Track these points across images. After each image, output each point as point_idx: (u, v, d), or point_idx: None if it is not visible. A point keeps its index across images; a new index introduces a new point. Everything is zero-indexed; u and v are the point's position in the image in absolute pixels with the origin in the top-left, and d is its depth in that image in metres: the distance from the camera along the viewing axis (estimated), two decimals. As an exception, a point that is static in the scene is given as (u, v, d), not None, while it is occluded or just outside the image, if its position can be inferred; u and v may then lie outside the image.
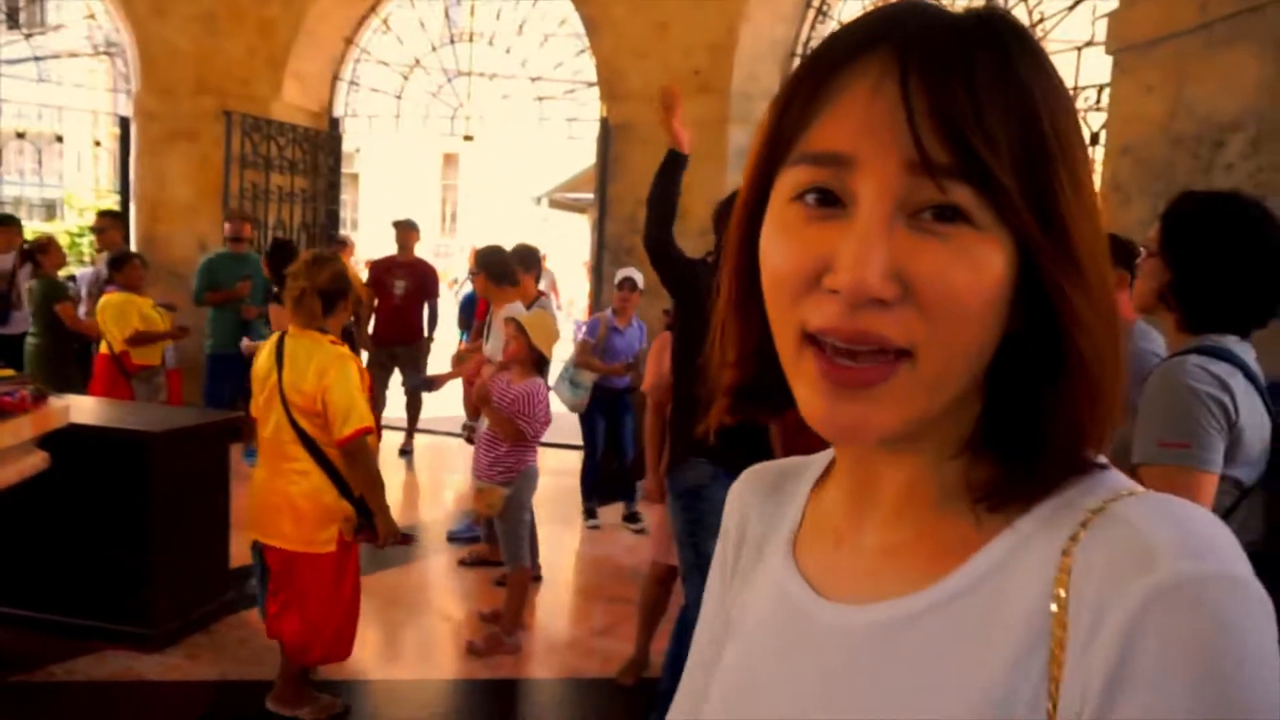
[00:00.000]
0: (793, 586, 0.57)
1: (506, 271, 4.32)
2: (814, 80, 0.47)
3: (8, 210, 8.72)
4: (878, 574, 0.52)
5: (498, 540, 4.20)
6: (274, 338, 2.96)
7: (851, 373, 0.46)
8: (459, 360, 4.72)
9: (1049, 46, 4.75)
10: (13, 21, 10.04)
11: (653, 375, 3.18)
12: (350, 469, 2.87)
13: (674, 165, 2.67)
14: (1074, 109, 0.48)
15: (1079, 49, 4.56)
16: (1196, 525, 0.43)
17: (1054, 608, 0.43)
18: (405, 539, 3.07)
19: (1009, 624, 0.45)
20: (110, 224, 6.18)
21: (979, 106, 0.44)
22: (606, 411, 5.23)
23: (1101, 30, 4.00)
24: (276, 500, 2.87)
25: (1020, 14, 4.89)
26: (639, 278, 4.99)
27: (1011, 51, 0.45)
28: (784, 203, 0.48)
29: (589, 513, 5.34)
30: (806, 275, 0.46)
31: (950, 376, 0.46)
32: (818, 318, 0.46)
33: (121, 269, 5.19)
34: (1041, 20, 4.77)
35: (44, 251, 5.57)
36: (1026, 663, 0.44)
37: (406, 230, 6.40)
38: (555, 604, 4.35)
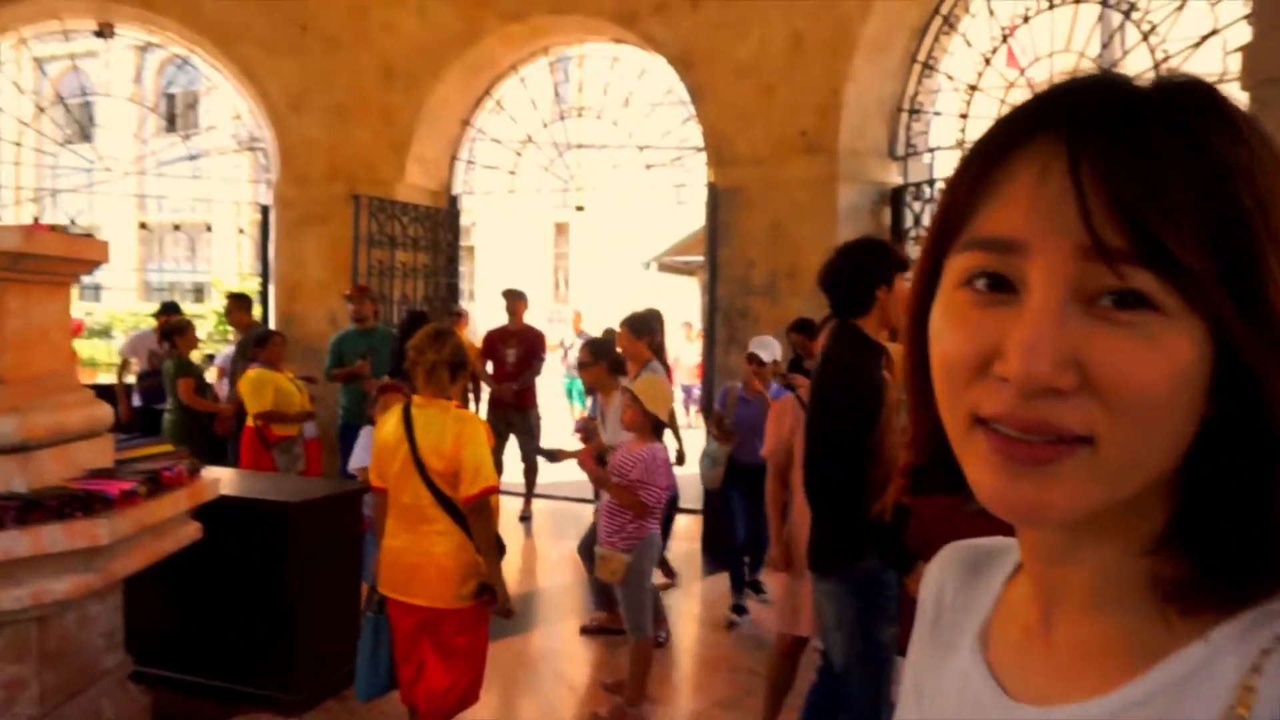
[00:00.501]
0: (978, 681, 0.55)
1: (622, 363, 4.43)
2: (983, 163, 0.46)
3: (165, 295, 9.49)
4: (1064, 674, 0.50)
5: (615, 607, 4.19)
6: (397, 409, 3.09)
7: (1028, 449, 0.44)
8: (581, 430, 4.74)
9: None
10: (171, 126, 11.08)
11: (773, 440, 3.13)
12: (475, 525, 2.98)
13: None
14: None
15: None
16: None
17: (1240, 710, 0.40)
18: (509, 613, 3.10)
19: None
20: (235, 305, 6.63)
21: (1157, 184, 0.41)
22: (746, 489, 4.66)
23: (1235, 64, 3.81)
24: (418, 561, 2.97)
25: (1142, 53, 4.72)
26: (765, 354, 4.68)
27: (1200, 122, 0.43)
28: (953, 287, 0.48)
29: (737, 609, 4.81)
30: (976, 361, 0.45)
31: (1134, 467, 0.44)
32: (989, 405, 0.45)
33: (264, 346, 5.56)
34: (1166, 59, 4.59)
35: (180, 333, 6.03)
36: None
37: (515, 299, 6.63)
38: (678, 674, 4.27)
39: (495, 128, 8.01)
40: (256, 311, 8.29)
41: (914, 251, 5.79)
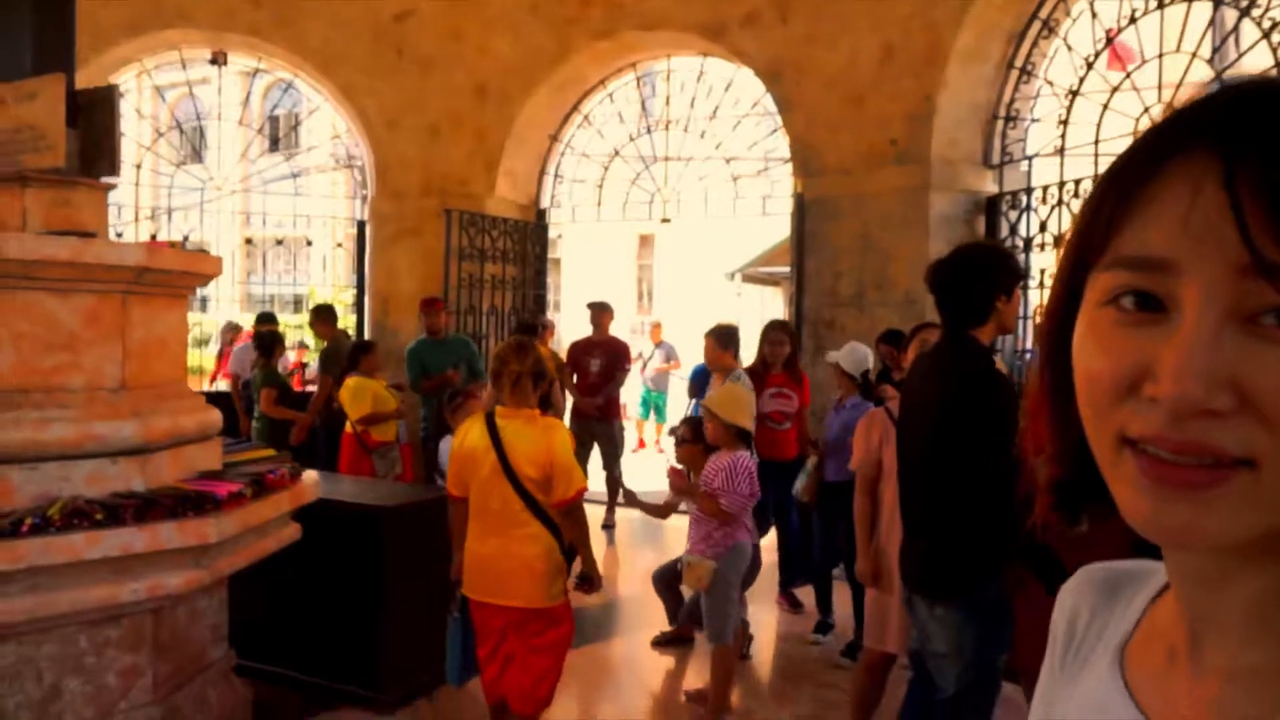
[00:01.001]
0: (1118, 702, 0.53)
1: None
2: (1129, 178, 0.45)
3: (266, 307, 9.93)
4: (1221, 706, 0.47)
5: (684, 617, 4.18)
6: (478, 419, 3.17)
7: (1181, 472, 0.43)
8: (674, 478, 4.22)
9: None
10: (274, 146, 11.62)
11: (861, 451, 3.08)
12: (569, 524, 3.11)
13: None
14: None
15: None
16: None
17: None
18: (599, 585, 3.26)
19: None
20: (319, 316, 6.85)
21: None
22: (824, 505, 4.59)
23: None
24: (513, 565, 3.06)
25: (1262, 52, 4.49)
26: (847, 365, 4.56)
27: None
28: (1097, 306, 0.47)
29: (822, 627, 4.72)
30: (1124, 381, 0.44)
31: None
32: (1138, 426, 0.44)
33: (366, 354, 5.80)
34: (1285, 58, 4.34)
35: (270, 346, 6.34)
36: None
37: (600, 311, 6.69)
38: (760, 687, 4.22)
39: (583, 142, 8.14)
40: (350, 322, 8.61)
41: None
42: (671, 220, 7.88)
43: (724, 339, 4.83)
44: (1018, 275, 2.49)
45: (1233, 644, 0.48)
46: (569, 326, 19.82)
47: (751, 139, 7.46)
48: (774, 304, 14.53)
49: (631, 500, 3.92)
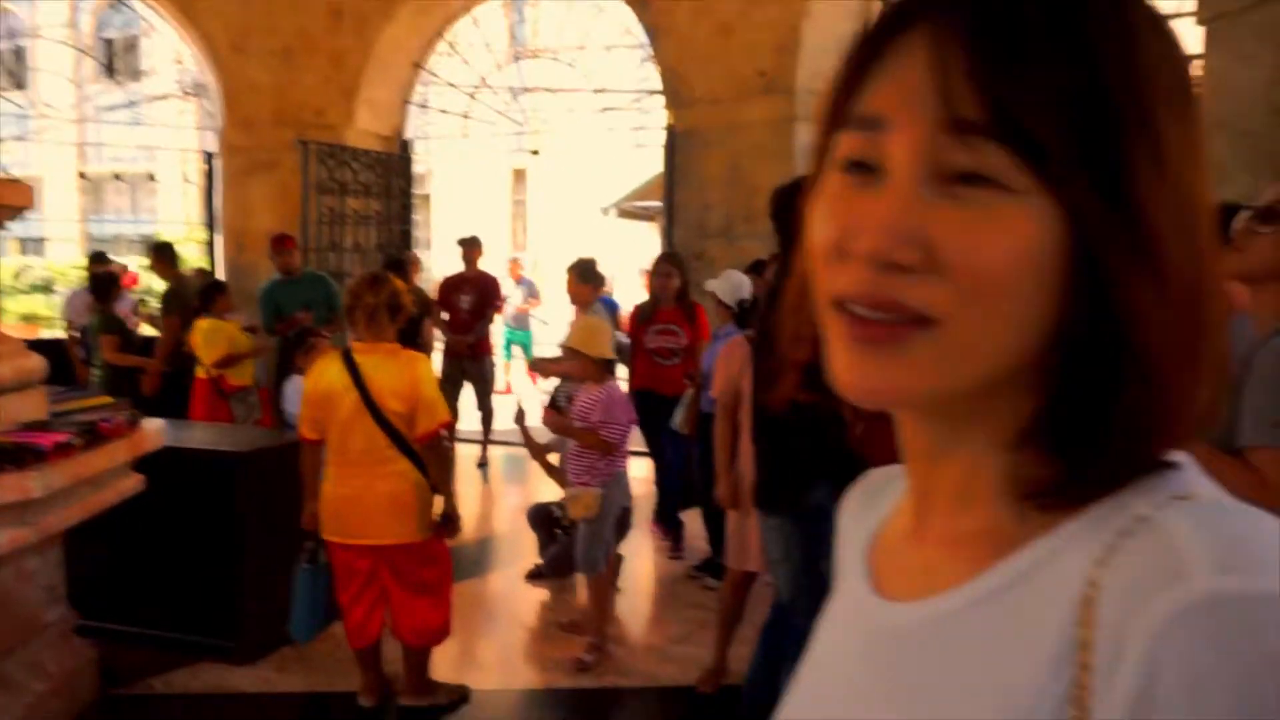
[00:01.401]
0: (859, 585, 0.56)
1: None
2: (864, 49, 0.46)
3: (110, 248, 9.21)
4: (931, 569, 0.50)
5: (547, 566, 4.23)
6: (334, 358, 3.06)
7: (870, 328, 0.44)
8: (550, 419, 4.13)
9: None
10: (109, 72, 10.65)
11: (721, 380, 3.13)
12: (432, 460, 3.07)
13: None
14: (1177, 78, 0.43)
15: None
16: (1253, 535, 0.38)
17: (1080, 629, 0.39)
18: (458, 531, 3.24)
19: (1039, 634, 0.41)
20: (155, 257, 6.28)
21: (1020, 58, 0.40)
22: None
23: (1190, 1, 3.80)
24: (379, 502, 3.00)
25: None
26: (722, 293, 4.42)
27: (1082, 7, 0.42)
28: (828, 173, 0.48)
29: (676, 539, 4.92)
30: (837, 243, 0.45)
31: (978, 351, 0.43)
32: (841, 283, 0.45)
33: (220, 294, 5.45)
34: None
35: (108, 287, 5.84)
36: (1052, 682, 0.40)
37: (470, 246, 6.52)
38: (632, 612, 4.31)
39: (448, 71, 7.80)
40: (204, 262, 8.09)
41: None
42: (541, 153, 7.72)
43: (584, 273, 4.87)
44: None
45: (947, 514, 0.50)
46: (442, 263, 19.32)
47: (623, 69, 7.33)
48: (650, 238, 14.56)
49: (523, 427, 3.93)
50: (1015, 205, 0.41)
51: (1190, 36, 3.89)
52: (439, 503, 3.12)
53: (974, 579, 0.46)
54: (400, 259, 6.35)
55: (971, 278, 0.42)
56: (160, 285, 6.76)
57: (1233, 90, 3.31)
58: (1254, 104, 3.20)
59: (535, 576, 4.55)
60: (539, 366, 5.61)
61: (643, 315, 4.93)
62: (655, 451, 5.09)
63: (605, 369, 3.66)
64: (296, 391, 3.99)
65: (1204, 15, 3.58)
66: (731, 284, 4.22)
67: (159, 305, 6.10)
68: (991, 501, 0.47)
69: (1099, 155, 0.41)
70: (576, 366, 3.69)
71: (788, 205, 2.53)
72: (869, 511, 0.62)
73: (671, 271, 4.88)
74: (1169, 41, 0.44)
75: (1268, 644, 0.35)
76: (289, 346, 5.01)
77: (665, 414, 4.63)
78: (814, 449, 2.42)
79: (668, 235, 6.46)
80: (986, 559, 0.46)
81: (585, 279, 4.90)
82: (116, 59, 11.62)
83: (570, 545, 3.82)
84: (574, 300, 5.04)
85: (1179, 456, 0.45)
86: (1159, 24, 0.44)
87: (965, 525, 0.48)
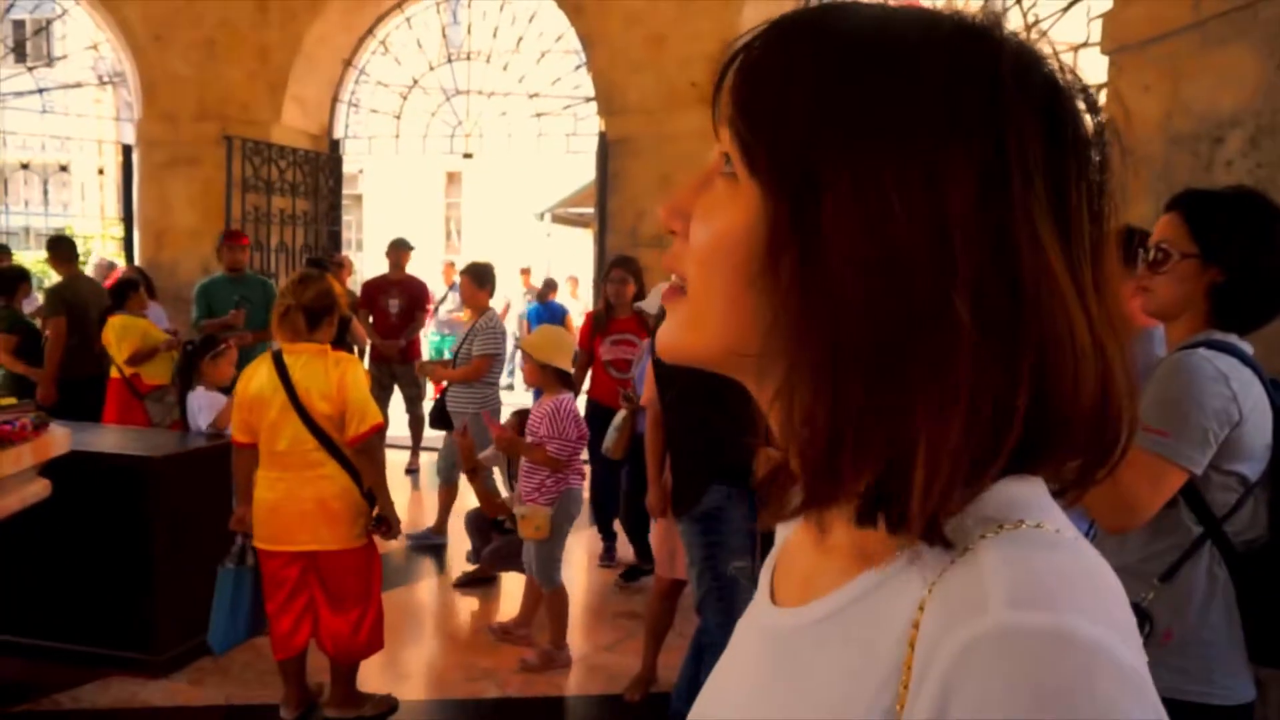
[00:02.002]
0: (762, 591, 0.58)
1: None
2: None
3: (16, 241, 8.79)
4: (812, 576, 0.52)
5: (487, 560, 4.19)
6: (264, 360, 3.00)
7: (667, 290, 0.53)
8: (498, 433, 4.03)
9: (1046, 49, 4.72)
10: (19, 55, 10.17)
11: (650, 390, 3.16)
12: (364, 464, 3.01)
13: None
14: (899, 118, 0.43)
15: (1075, 50, 4.54)
16: (1054, 571, 0.39)
17: (906, 649, 0.41)
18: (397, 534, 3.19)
19: (879, 650, 0.43)
20: (53, 252, 5.92)
21: (759, 77, 0.47)
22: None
23: (1097, 31, 3.98)
24: (306, 507, 2.94)
25: (1015, 16, 4.89)
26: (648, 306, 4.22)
27: (800, 38, 0.47)
28: None
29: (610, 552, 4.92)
30: None
31: (707, 319, 0.49)
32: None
33: (135, 290, 5.22)
34: (1038, 22, 4.76)
35: (12, 284, 5.54)
36: (881, 699, 0.42)
37: (397, 250, 6.42)
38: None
39: (381, 71, 7.68)
40: (120, 259, 7.79)
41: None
42: (474, 155, 7.65)
43: (480, 277, 4.82)
44: None
45: (836, 521, 0.49)
46: (373, 265, 18.96)
47: (556, 75, 7.32)
48: (584, 245, 14.56)
49: (461, 440, 3.93)
50: (733, 191, 0.47)
51: (1096, 66, 4.09)
52: (376, 508, 3.07)
53: (836, 590, 0.47)
54: (322, 260, 6.19)
55: (695, 250, 0.49)
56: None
57: (1135, 118, 3.49)
58: (1154, 132, 3.38)
59: (464, 584, 4.51)
60: (426, 370, 5.60)
61: (597, 324, 4.76)
62: (595, 460, 4.82)
63: (560, 381, 3.64)
64: (202, 403, 3.86)
65: (1107, 46, 3.77)
66: (658, 300, 4.24)
67: (43, 305, 5.65)
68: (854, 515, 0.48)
69: (790, 164, 0.45)
70: (528, 371, 3.71)
71: None
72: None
73: (626, 278, 4.65)
74: (897, 81, 0.44)
75: (1050, 678, 0.35)
76: (195, 353, 4.37)
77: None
78: (709, 454, 2.51)
79: (600, 242, 6.48)
80: (854, 570, 0.47)
81: (481, 283, 4.83)
82: (26, 42, 11.12)
83: (516, 543, 3.78)
84: (468, 304, 5.02)
85: (1032, 481, 0.45)
86: (892, 64, 0.44)
87: (840, 535, 0.49)
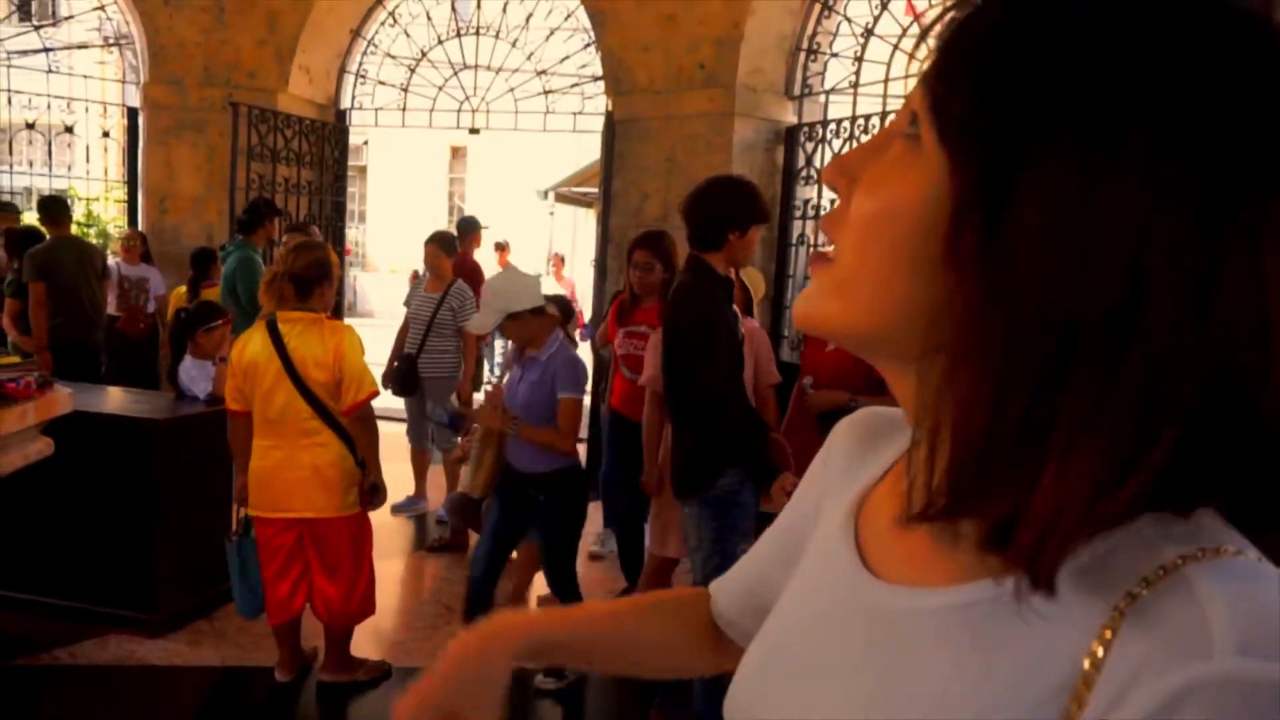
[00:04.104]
0: (844, 554, 0.54)
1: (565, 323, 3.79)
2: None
3: (19, 201, 8.77)
4: (922, 558, 0.49)
5: (461, 529, 4.29)
6: (258, 328, 3.02)
7: (814, 254, 0.50)
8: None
9: None
10: (24, 14, 10.09)
11: (650, 368, 3.19)
12: (359, 431, 3.04)
13: None
14: (1114, 111, 0.39)
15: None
16: (1273, 613, 0.37)
17: (1087, 664, 0.39)
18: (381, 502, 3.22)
19: (1045, 650, 0.41)
20: (42, 211, 5.66)
21: (989, 37, 0.42)
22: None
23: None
24: (301, 474, 2.97)
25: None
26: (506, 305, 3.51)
27: (1046, 21, 0.41)
28: None
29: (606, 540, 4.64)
30: None
31: (856, 290, 0.45)
32: None
33: (215, 262, 5.34)
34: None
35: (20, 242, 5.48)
36: (1049, 704, 0.40)
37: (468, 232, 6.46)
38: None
39: (388, 42, 7.65)
40: (122, 221, 7.78)
41: (806, 191, 5.89)
42: (481, 131, 7.63)
43: (448, 245, 5.04)
44: (755, 213, 2.66)
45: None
46: (375, 237, 18.92)
47: (565, 52, 7.30)
48: (588, 224, 14.54)
49: (459, 422, 3.96)
50: (916, 158, 0.43)
51: None
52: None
53: (972, 582, 0.44)
54: (301, 226, 5.98)
55: (857, 214, 0.45)
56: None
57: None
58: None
59: (436, 549, 4.67)
60: (462, 422, 4.31)
61: (621, 314, 4.03)
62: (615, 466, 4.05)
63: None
64: (193, 373, 3.86)
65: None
66: (517, 290, 3.04)
67: (23, 269, 5.31)
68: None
69: (990, 134, 0.40)
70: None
71: (699, 205, 2.64)
72: (864, 460, 0.60)
73: (651, 262, 3.75)
74: (1133, 66, 0.39)
75: None
76: (190, 322, 4.16)
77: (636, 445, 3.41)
78: (724, 436, 2.53)
79: (603, 223, 6.49)
80: (990, 560, 0.43)
81: (449, 251, 5.03)
82: (32, 1, 11.03)
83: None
84: (434, 272, 5.07)
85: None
86: (1132, 47, 0.39)
87: (966, 523, 0.46)
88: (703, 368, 2.51)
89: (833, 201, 0.47)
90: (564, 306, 4.09)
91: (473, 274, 6.30)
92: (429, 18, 7.45)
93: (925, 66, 0.45)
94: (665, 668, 0.79)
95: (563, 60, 7.27)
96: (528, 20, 7.16)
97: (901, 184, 0.44)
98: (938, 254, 0.42)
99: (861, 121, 5.47)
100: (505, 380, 3.35)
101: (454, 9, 7.53)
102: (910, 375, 0.48)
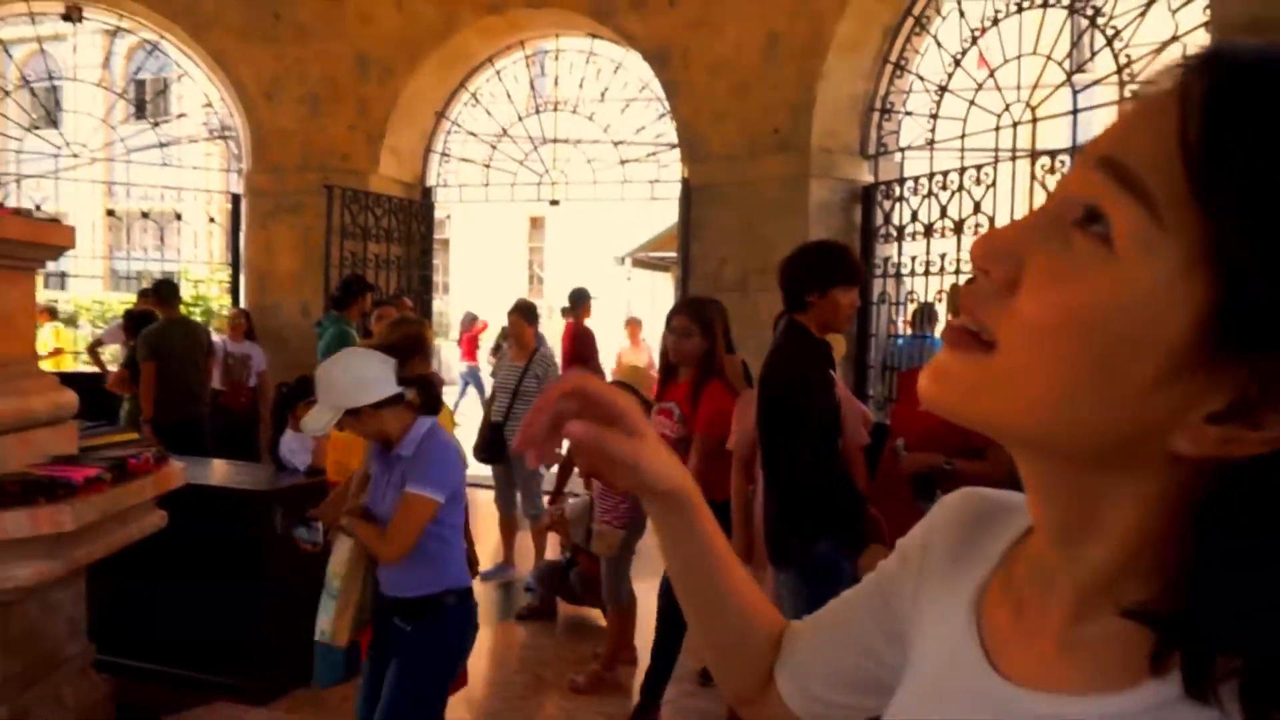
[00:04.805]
0: (970, 654, 0.52)
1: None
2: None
3: (132, 284, 9.39)
4: (1055, 659, 0.47)
5: (549, 596, 4.32)
6: None
7: (952, 330, 0.45)
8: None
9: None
10: (140, 113, 10.93)
11: (737, 432, 3.18)
12: None
13: None
14: None
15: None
16: None
17: None
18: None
19: None
20: (155, 293, 6.21)
21: (1185, 118, 0.37)
22: None
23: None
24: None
25: (1107, 58, 4.82)
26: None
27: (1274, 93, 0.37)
28: None
29: None
30: None
31: (1023, 391, 0.41)
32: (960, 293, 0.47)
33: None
34: (1129, 63, 4.69)
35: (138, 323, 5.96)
36: None
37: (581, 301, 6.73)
38: (645, 642, 4.31)
39: (470, 121, 8.00)
40: (226, 301, 8.22)
41: (885, 249, 5.85)
42: (560, 202, 7.85)
43: (529, 314, 5.21)
44: (846, 277, 2.65)
45: (1070, 607, 0.47)
46: (458, 307, 19.46)
47: (640, 123, 7.50)
48: (665, 289, 14.70)
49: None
50: (1111, 264, 0.39)
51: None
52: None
53: (1117, 694, 0.43)
54: (393, 299, 6.30)
55: (1036, 312, 0.40)
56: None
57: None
58: None
59: (525, 617, 4.67)
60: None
61: (660, 384, 3.75)
62: None
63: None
64: (294, 445, 4.02)
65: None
66: (355, 380, 2.50)
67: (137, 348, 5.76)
68: (1119, 615, 0.43)
69: (1247, 252, 0.35)
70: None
71: (783, 268, 2.66)
72: (974, 548, 0.57)
73: (690, 328, 3.45)
74: None
75: None
76: (290, 396, 4.39)
77: None
78: (821, 502, 2.49)
79: (683, 288, 6.56)
80: (1130, 667, 0.42)
81: (530, 319, 5.19)
82: (148, 100, 11.89)
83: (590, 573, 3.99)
84: (517, 341, 5.22)
85: None
86: None
87: (1096, 627, 0.45)
88: (799, 431, 2.50)
89: (968, 278, 0.46)
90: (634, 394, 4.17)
91: (587, 340, 6.49)
92: (509, 96, 7.77)
93: (1101, 147, 0.40)
94: (718, 646, 0.74)
95: (638, 131, 7.46)
96: (603, 95, 7.40)
97: (1095, 289, 0.39)
98: (1148, 376, 0.38)
99: (940, 178, 5.44)
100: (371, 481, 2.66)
101: (532, 87, 7.84)
102: (1061, 475, 0.45)
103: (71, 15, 7.31)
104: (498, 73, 7.81)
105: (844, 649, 0.68)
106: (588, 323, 7.01)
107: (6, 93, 7.94)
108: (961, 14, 5.55)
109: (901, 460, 3.20)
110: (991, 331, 0.42)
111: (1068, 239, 0.41)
